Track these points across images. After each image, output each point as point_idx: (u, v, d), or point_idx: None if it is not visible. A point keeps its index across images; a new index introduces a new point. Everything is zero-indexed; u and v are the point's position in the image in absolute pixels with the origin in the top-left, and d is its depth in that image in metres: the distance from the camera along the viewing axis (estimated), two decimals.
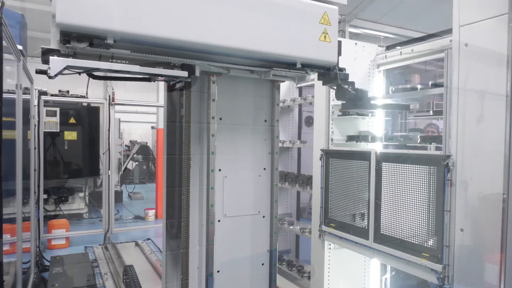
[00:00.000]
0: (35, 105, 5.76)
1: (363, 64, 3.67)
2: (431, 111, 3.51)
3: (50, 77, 1.53)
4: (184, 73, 1.83)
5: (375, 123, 3.79)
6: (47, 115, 6.79)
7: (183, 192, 2.28)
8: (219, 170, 2.34)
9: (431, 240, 2.59)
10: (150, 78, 1.92)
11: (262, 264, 2.50)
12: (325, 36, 1.98)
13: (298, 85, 4.98)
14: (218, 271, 2.34)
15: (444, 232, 2.45)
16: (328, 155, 3.50)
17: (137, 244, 6.19)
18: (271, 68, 2.08)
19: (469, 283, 2.35)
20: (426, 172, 2.60)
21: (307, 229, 4.36)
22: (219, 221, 2.35)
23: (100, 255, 5.60)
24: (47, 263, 5.44)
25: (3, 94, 2.31)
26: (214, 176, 2.29)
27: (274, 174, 2.49)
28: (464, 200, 2.36)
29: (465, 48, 2.38)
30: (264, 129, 2.49)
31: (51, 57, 1.51)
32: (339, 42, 2.05)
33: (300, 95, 5.22)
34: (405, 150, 3.00)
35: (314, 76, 2.28)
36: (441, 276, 2.44)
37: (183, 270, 2.29)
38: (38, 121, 6.11)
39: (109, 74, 1.81)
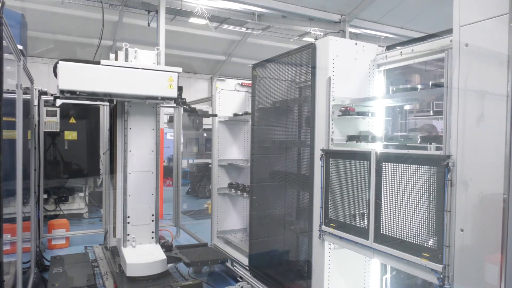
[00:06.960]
0: (35, 105, 5.76)
1: (363, 64, 3.67)
2: (431, 111, 3.51)
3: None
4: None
5: (375, 123, 3.79)
6: (47, 115, 6.78)
7: None
8: None
9: (431, 240, 2.58)
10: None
11: None
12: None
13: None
14: None
15: (444, 232, 2.45)
16: (328, 155, 3.50)
17: None
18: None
19: (469, 283, 2.34)
20: (426, 172, 2.60)
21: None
22: None
23: (100, 255, 5.60)
24: (47, 263, 5.44)
25: (3, 94, 2.31)
26: None
27: None
28: (464, 200, 2.36)
29: (466, 48, 2.38)
30: None
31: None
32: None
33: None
34: (405, 150, 3.00)
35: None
36: (441, 276, 2.44)
37: None
38: (38, 121, 6.11)
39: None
